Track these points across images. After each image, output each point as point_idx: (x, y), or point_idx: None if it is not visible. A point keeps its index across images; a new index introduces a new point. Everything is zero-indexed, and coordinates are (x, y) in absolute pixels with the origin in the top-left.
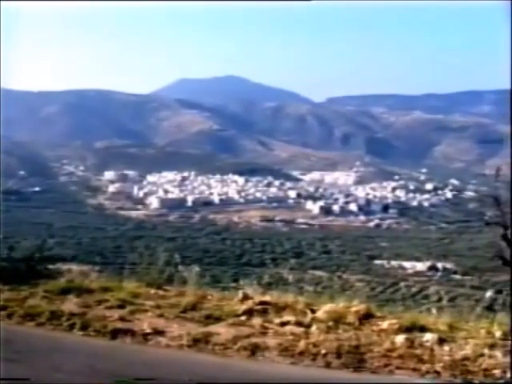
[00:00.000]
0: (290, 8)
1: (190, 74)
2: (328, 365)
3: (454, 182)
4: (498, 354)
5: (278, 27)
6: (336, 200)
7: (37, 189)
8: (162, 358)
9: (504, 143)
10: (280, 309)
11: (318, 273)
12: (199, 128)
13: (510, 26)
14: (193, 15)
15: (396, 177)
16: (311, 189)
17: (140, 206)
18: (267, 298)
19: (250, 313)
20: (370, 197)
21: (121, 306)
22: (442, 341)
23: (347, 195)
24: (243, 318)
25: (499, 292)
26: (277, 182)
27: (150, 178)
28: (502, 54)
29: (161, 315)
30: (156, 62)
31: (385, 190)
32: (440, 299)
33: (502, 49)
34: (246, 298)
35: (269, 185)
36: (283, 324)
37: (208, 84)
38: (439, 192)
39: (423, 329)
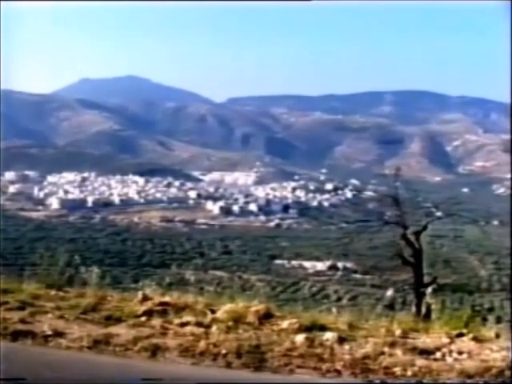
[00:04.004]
0: (191, 7)
1: (91, 73)
2: (229, 365)
3: (354, 181)
4: (398, 352)
5: (178, 27)
6: (236, 200)
7: None
8: (62, 360)
9: (403, 143)
10: (180, 309)
11: (219, 273)
12: (99, 128)
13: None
14: (94, 15)
15: (296, 177)
16: (211, 189)
17: (40, 207)
18: (167, 298)
19: (149, 313)
20: (270, 197)
21: (21, 308)
22: (342, 340)
23: (247, 195)
24: (143, 318)
25: (399, 291)
26: (177, 183)
27: (51, 178)
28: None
29: (61, 317)
30: (57, 61)
31: (285, 190)
32: (340, 298)
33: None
34: (145, 298)
35: (169, 185)
36: (183, 324)
37: (109, 84)
38: (339, 192)
39: (323, 328)
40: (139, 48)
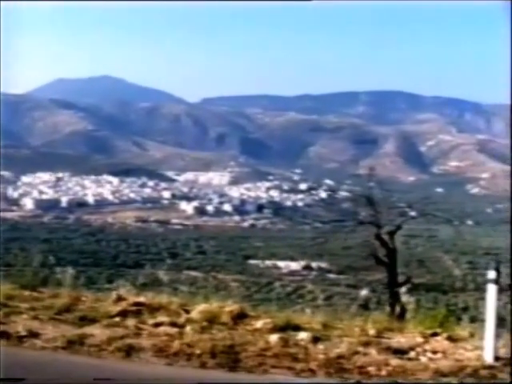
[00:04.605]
0: (165, 8)
1: (66, 73)
2: (203, 365)
3: (328, 182)
4: (373, 351)
5: (153, 27)
6: (210, 200)
7: None
8: (37, 360)
9: (377, 143)
10: (154, 309)
11: (193, 273)
12: (74, 128)
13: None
14: (69, 14)
15: (270, 177)
16: (185, 189)
17: (15, 207)
18: (141, 298)
19: (124, 314)
20: (245, 197)
21: None
22: (316, 339)
23: (221, 195)
24: (117, 319)
25: (374, 290)
26: (151, 183)
27: (25, 178)
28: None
29: (35, 317)
30: (32, 61)
31: (259, 190)
32: (315, 298)
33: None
34: (119, 299)
35: (143, 185)
36: (157, 325)
37: (84, 84)
38: (313, 192)
39: (298, 328)
40: (114, 48)
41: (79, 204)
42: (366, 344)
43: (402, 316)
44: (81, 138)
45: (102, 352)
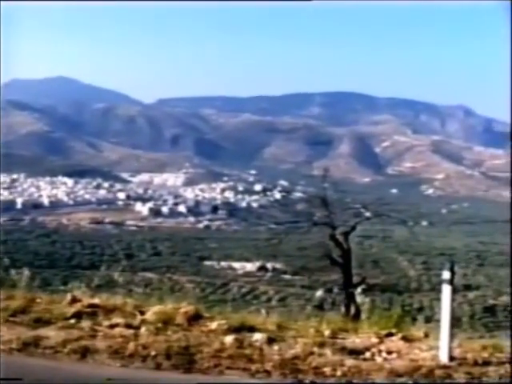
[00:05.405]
0: (121, 8)
1: (21, 74)
2: (158, 366)
3: (283, 182)
4: (328, 352)
5: (108, 28)
6: (165, 201)
7: None
8: None
9: (332, 145)
10: (109, 311)
11: (148, 274)
12: (29, 129)
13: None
14: (24, 15)
15: (225, 178)
16: (140, 190)
17: None
18: (96, 300)
19: (79, 315)
20: (199, 198)
21: None
22: (271, 340)
23: (176, 196)
24: (72, 320)
25: (329, 291)
26: (106, 184)
27: None
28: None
29: None
30: None
31: (214, 192)
32: (270, 299)
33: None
34: (74, 300)
35: (98, 186)
36: (112, 326)
37: (39, 85)
38: (268, 193)
39: (252, 329)
40: (69, 49)
41: (34, 205)
42: (321, 345)
43: (357, 316)
44: (36, 139)
45: (57, 354)
